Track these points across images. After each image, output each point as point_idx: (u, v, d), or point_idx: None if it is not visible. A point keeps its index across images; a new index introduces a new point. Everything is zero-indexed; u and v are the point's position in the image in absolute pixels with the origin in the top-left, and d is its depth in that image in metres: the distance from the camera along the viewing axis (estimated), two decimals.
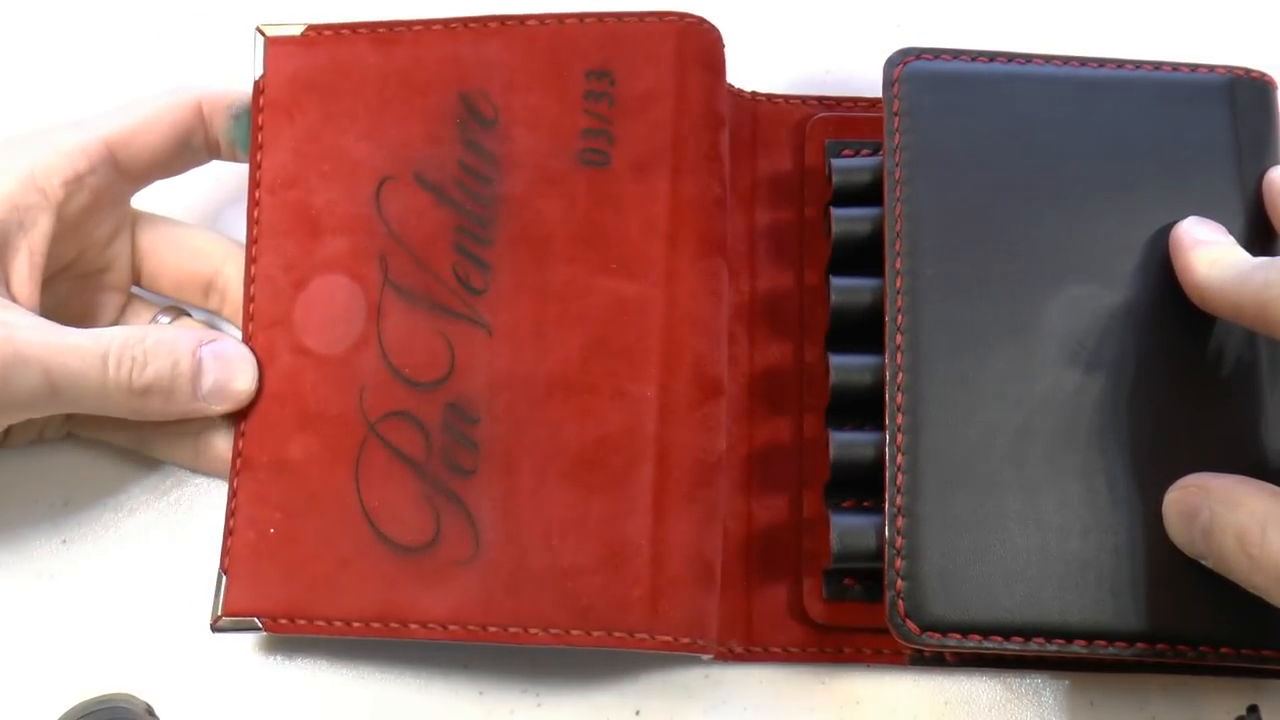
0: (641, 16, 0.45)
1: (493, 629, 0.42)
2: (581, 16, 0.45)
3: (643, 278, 0.44)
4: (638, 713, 0.45)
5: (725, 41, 0.46)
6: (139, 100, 0.45)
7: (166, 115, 0.45)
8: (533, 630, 0.42)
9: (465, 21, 0.45)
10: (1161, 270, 0.43)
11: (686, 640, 0.42)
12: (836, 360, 0.45)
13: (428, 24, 0.46)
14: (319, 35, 0.46)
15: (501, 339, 0.44)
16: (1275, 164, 0.44)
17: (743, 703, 0.45)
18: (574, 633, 0.42)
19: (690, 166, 0.44)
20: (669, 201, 0.44)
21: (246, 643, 0.46)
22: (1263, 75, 0.45)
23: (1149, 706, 0.45)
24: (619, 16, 0.45)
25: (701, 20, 0.45)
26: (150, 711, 0.42)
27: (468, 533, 0.43)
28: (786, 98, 0.49)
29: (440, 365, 0.44)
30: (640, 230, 0.44)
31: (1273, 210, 0.43)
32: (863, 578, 0.45)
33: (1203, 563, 0.40)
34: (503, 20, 0.45)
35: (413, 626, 0.42)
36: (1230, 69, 0.45)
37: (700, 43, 0.45)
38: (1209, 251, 0.42)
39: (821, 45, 0.52)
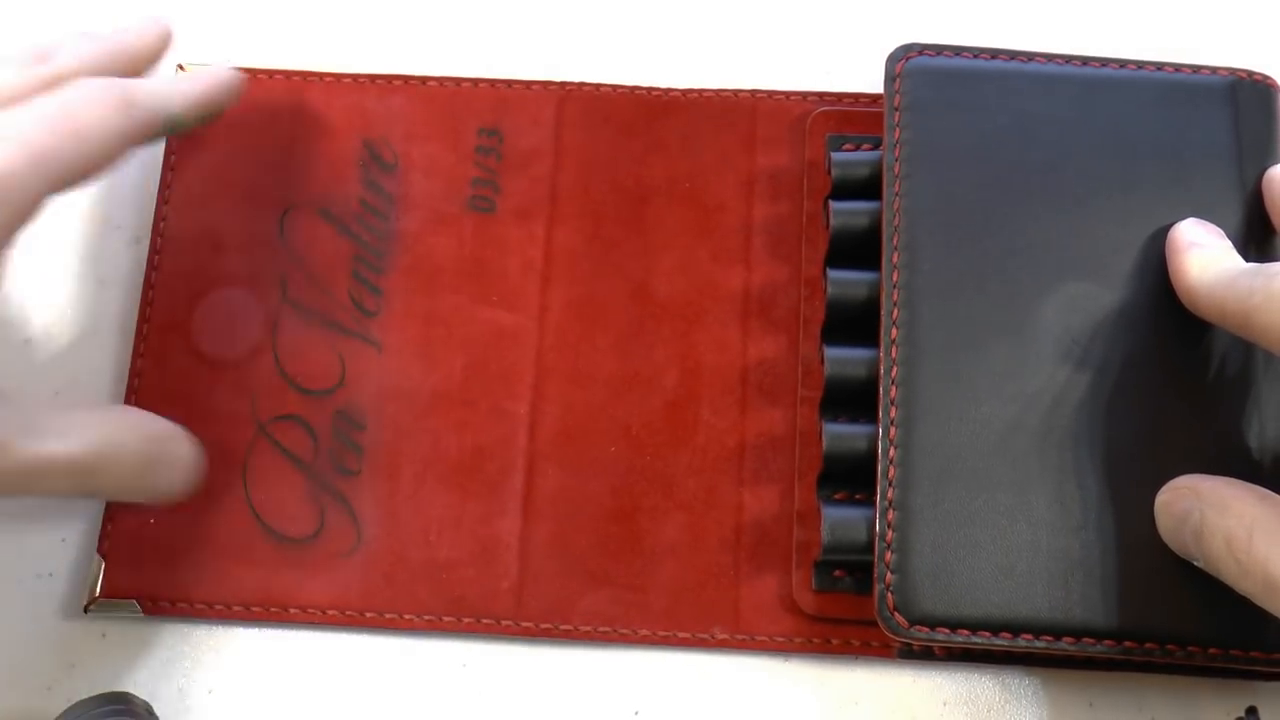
0: (528, 84, 0.51)
1: (370, 615, 0.45)
2: (476, 81, 0.51)
3: (519, 310, 0.49)
4: (637, 713, 0.45)
5: (727, 40, 0.49)
6: None
7: None
8: (408, 616, 0.45)
9: (373, 77, 0.51)
10: (1160, 271, 0.43)
11: (548, 625, 0.45)
12: (832, 353, 0.45)
13: (339, 76, 0.51)
14: None
15: (390, 356, 0.48)
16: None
17: (741, 703, 0.44)
18: (446, 619, 0.45)
19: (564, 217, 0.50)
20: (544, 246, 0.50)
21: (246, 641, 0.45)
22: (1265, 77, 0.45)
23: (1148, 708, 0.44)
24: (509, 83, 0.51)
25: (582, 84, 0.51)
26: (150, 710, 0.42)
27: (350, 527, 0.46)
28: (787, 94, 0.50)
29: (331, 376, 0.47)
30: (519, 269, 0.49)
31: (1273, 208, 0.43)
32: (853, 570, 0.44)
33: (1195, 563, 0.40)
34: (406, 79, 0.51)
35: (293, 611, 0.45)
36: (1232, 70, 0.45)
37: (581, 106, 0.50)
38: (1201, 255, 0.41)
39: (823, 47, 0.52)
